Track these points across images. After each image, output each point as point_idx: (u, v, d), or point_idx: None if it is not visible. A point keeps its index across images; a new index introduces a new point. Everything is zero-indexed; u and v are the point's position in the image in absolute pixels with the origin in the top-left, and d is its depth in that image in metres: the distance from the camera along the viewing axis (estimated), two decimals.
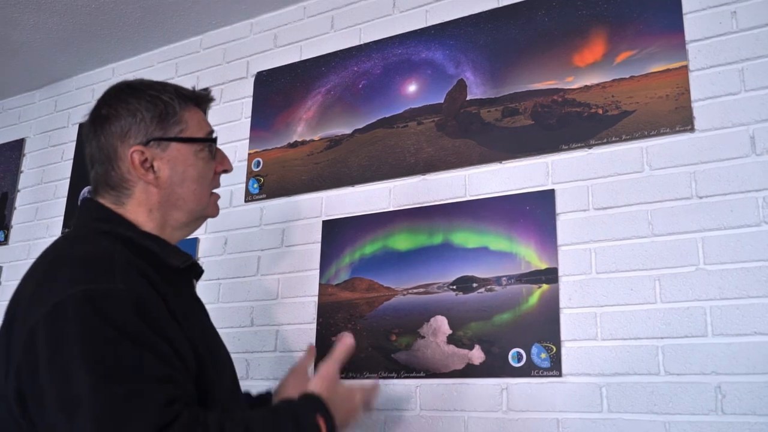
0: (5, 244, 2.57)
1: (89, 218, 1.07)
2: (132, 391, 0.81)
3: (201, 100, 1.14)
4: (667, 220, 1.45)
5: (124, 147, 1.05)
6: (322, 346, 1.77)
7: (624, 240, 1.48)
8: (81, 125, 2.53)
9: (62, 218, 2.45)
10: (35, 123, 2.71)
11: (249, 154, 2.07)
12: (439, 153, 1.76)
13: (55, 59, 2.52)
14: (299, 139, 2.01)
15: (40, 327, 0.87)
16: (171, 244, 1.09)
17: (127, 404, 0.80)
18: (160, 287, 0.96)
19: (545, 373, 1.47)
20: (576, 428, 1.42)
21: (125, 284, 0.90)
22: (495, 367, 1.53)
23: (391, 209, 1.79)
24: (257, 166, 2.06)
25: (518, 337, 1.52)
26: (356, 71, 1.97)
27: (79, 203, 2.42)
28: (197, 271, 1.13)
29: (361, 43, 1.99)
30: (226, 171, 1.16)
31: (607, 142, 1.54)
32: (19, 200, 2.62)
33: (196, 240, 2.07)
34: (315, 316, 1.81)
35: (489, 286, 1.59)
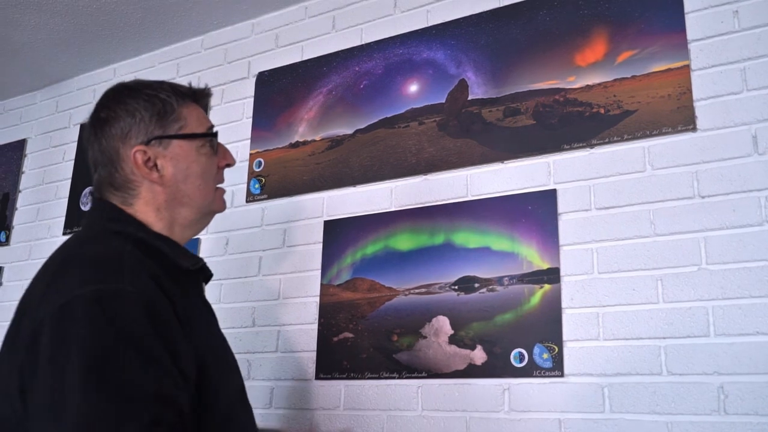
0: (6, 245, 2.57)
1: (100, 218, 1.06)
2: (119, 406, 0.80)
3: (198, 95, 1.14)
4: (669, 220, 1.44)
5: (126, 148, 1.05)
6: (324, 347, 1.77)
7: (626, 240, 1.48)
8: (82, 126, 2.53)
9: (63, 219, 2.45)
10: (36, 124, 2.71)
11: (250, 154, 2.07)
12: (441, 153, 1.75)
13: (57, 60, 2.52)
14: (301, 140, 2.01)
15: (45, 326, 0.87)
16: (181, 245, 1.09)
17: (109, 420, 0.79)
18: (169, 289, 0.96)
19: (547, 374, 1.47)
20: (578, 428, 1.42)
21: (134, 286, 0.90)
22: (497, 368, 1.53)
23: (393, 209, 1.79)
24: (258, 167, 2.06)
25: (520, 337, 1.52)
26: (358, 71, 1.97)
27: (80, 204, 2.42)
28: (206, 275, 1.13)
29: (363, 43, 1.98)
30: (229, 165, 1.16)
31: (609, 142, 1.54)
32: (21, 201, 2.62)
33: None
34: (316, 316, 1.81)
35: (491, 286, 1.59)
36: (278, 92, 2.10)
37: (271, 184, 2.02)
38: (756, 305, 1.33)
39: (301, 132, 2.02)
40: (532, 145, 1.63)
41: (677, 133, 1.48)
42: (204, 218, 1.14)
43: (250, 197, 2.04)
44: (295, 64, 2.09)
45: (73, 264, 0.95)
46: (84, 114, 2.51)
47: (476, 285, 1.61)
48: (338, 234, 1.84)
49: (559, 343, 1.47)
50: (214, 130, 1.14)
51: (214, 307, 1.14)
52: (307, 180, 1.95)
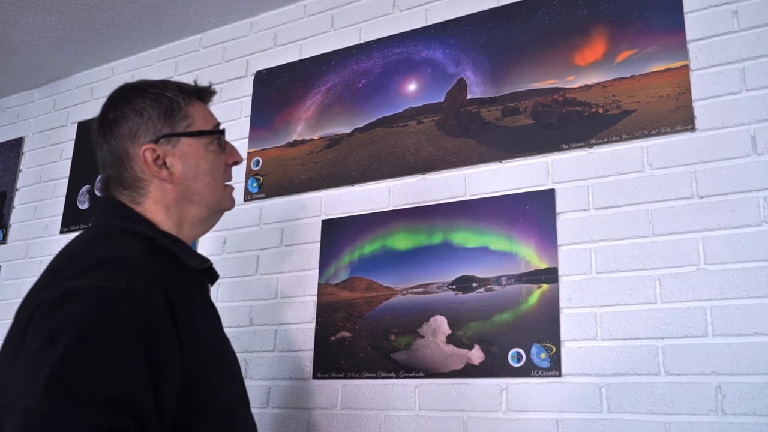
0: (4, 243, 2.56)
1: (109, 216, 1.07)
2: (74, 408, 0.78)
3: (204, 93, 1.14)
4: (667, 220, 1.44)
5: (135, 147, 1.05)
6: (321, 346, 1.77)
7: (624, 240, 1.47)
8: (80, 124, 2.53)
9: (61, 217, 2.44)
10: (34, 122, 2.71)
11: (248, 153, 2.07)
12: (439, 152, 1.75)
13: (54, 58, 2.52)
14: (299, 138, 2.01)
15: (36, 315, 0.87)
16: (188, 245, 1.09)
17: (59, 420, 0.77)
18: (172, 289, 0.95)
19: (545, 373, 1.47)
20: (576, 428, 1.41)
21: (131, 284, 0.89)
22: (494, 367, 1.52)
23: (391, 209, 1.79)
24: (256, 165, 2.05)
25: (518, 337, 1.52)
26: (356, 70, 1.96)
27: (77, 203, 2.41)
28: (212, 276, 1.13)
29: (361, 42, 1.98)
30: (236, 163, 1.17)
31: (608, 142, 1.54)
32: (18, 199, 2.61)
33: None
34: (314, 315, 1.81)
35: (489, 286, 1.59)
36: (276, 91, 2.09)
37: (269, 183, 2.01)
38: (754, 305, 1.33)
39: (300, 131, 2.01)
40: (530, 145, 1.63)
41: (676, 133, 1.48)
42: (213, 216, 1.15)
43: (248, 196, 2.04)
44: (293, 63, 2.09)
45: (77, 259, 0.96)
46: (81, 112, 2.54)
47: (474, 285, 1.61)
48: (336, 233, 1.84)
49: (557, 343, 1.47)
50: (221, 127, 1.14)
51: None
52: (305, 179, 1.95)
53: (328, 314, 1.79)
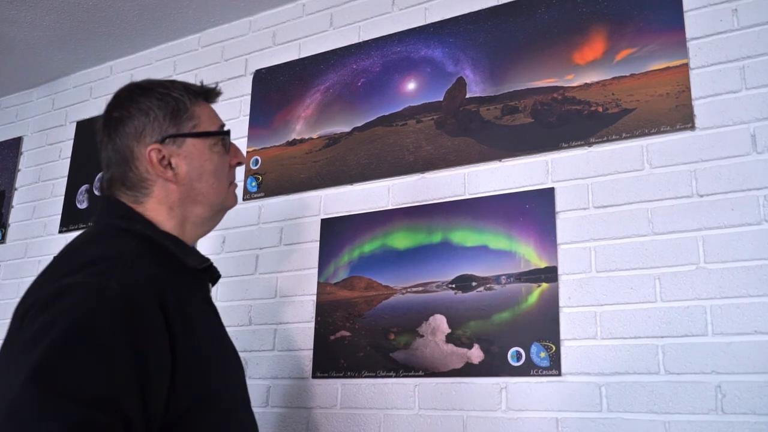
0: (3, 243, 2.56)
1: (109, 216, 1.06)
2: (48, 401, 0.78)
3: (210, 94, 1.14)
4: (667, 219, 1.44)
5: (141, 147, 1.05)
6: (321, 345, 1.77)
7: (624, 238, 1.47)
8: (79, 123, 2.52)
9: (59, 217, 2.44)
10: (33, 121, 2.70)
11: (247, 152, 2.06)
12: (439, 151, 1.75)
13: (53, 57, 2.51)
14: (298, 137, 2.00)
15: (29, 315, 0.88)
16: (189, 245, 1.09)
17: (32, 411, 0.77)
18: (168, 288, 0.95)
19: (544, 373, 1.46)
20: (575, 428, 1.41)
21: (121, 283, 0.89)
22: (494, 366, 1.52)
23: (390, 208, 1.78)
24: (256, 164, 2.05)
25: (517, 336, 1.51)
26: (355, 69, 1.96)
27: (76, 202, 2.41)
28: (213, 275, 1.12)
29: (360, 40, 1.98)
30: (240, 163, 1.17)
31: (608, 140, 1.54)
32: (17, 198, 2.61)
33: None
34: (313, 314, 1.80)
35: (488, 285, 1.58)
36: (275, 90, 2.09)
37: (268, 182, 2.01)
38: (754, 304, 1.33)
39: (299, 130, 2.01)
40: (530, 144, 1.63)
41: (676, 132, 1.47)
42: (217, 215, 1.15)
43: (247, 195, 2.04)
44: (292, 62, 2.09)
45: (73, 258, 0.96)
46: (80, 111, 2.53)
47: (474, 284, 1.60)
48: (335, 232, 1.84)
49: (557, 342, 1.47)
50: (226, 128, 1.14)
51: None
52: (305, 178, 1.95)
53: (327, 313, 1.78)
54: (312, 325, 1.80)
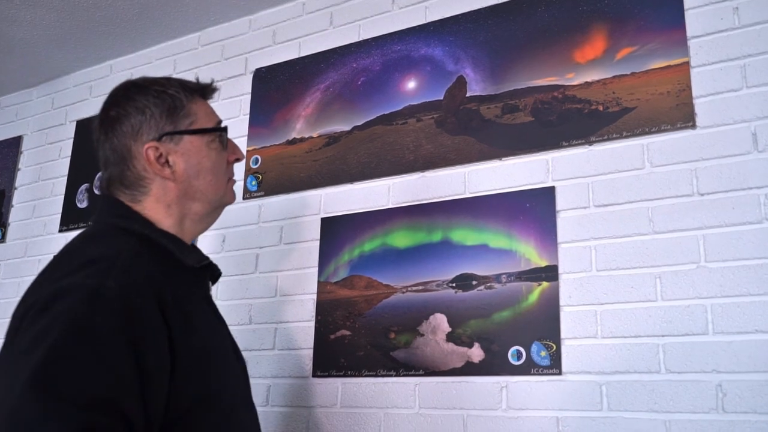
0: (3, 242, 2.56)
1: (107, 215, 1.06)
2: (50, 404, 0.78)
3: (206, 91, 1.13)
4: (668, 218, 1.44)
5: (138, 145, 1.04)
6: (321, 344, 1.76)
7: (624, 237, 1.47)
8: (79, 122, 2.52)
9: (59, 216, 2.44)
10: (32, 120, 2.70)
11: (247, 151, 2.06)
12: (439, 150, 1.75)
13: (53, 56, 2.51)
14: (298, 136, 2.00)
15: (28, 317, 0.87)
16: (187, 243, 1.08)
17: (34, 415, 0.77)
18: (166, 287, 0.95)
19: (545, 371, 1.46)
20: (576, 427, 1.41)
21: (119, 283, 0.89)
22: (494, 365, 1.52)
23: (390, 206, 1.78)
24: (256, 163, 2.05)
25: (518, 334, 1.51)
26: (355, 68, 1.96)
27: (76, 201, 2.41)
28: (214, 273, 1.12)
29: (360, 39, 1.98)
30: (238, 160, 1.16)
31: (608, 139, 1.54)
32: (17, 198, 2.61)
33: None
34: (314, 313, 1.80)
35: (488, 284, 1.58)
36: (275, 89, 2.09)
37: (268, 181, 2.01)
38: (755, 303, 1.32)
39: (299, 129, 2.01)
40: (530, 142, 1.63)
41: (676, 131, 1.47)
42: (215, 211, 1.14)
43: (247, 194, 2.03)
44: (292, 61, 2.08)
45: (72, 258, 0.96)
46: (80, 111, 2.53)
47: (474, 282, 1.60)
48: (335, 231, 1.84)
49: (557, 340, 1.47)
50: (223, 125, 1.13)
51: None
52: (305, 177, 1.94)
53: (327, 312, 1.78)
54: (312, 324, 1.80)
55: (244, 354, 1.89)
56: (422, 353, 1.62)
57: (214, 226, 2.04)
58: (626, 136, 1.52)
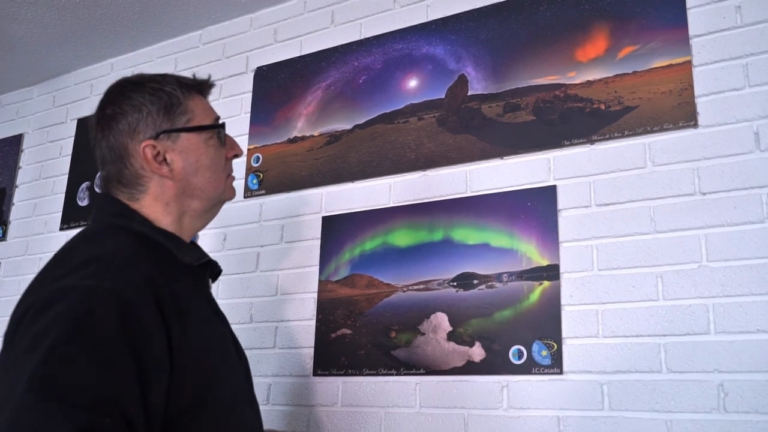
0: (3, 240, 2.56)
1: (105, 213, 1.06)
2: (51, 406, 0.78)
3: (203, 87, 1.13)
4: (669, 217, 1.44)
5: (135, 143, 1.04)
6: (322, 343, 1.76)
7: (626, 236, 1.47)
8: (80, 121, 2.52)
9: (60, 214, 2.44)
10: (33, 119, 2.70)
11: (248, 149, 2.06)
12: (440, 149, 1.74)
13: (54, 54, 2.51)
14: (299, 135, 2.00)
15: (27, 318, 0.87)
16: (186, 241, 1.08)
17: (36, 416, 0.77)
18: (164, 286, 0.94)
19: (546, 371, 1.46)
20: (577, 426, 1.41)
21: (116, 282, 0.88)
22: (495, 365, 1.52)
23: (392, 205, 1.78)
24: (257, 162, 2.05)
25: (519, 334, 1.51)
26: (356, 66, 1.95)
27: (77, 200, 2.41)
28: (213, 271, 1.12)
29: (362, 38, 1.97)
30: (237, 156, 1.15)
31: (610, 138, 1.53)
32: (18, 196, 2.61)
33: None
34: (314, 312, 1.80)
35: (490, 283, 1.58)
36: (277, 87, 2.09)
37: (269, 179, 2.01)
38: (757, 303, 1.32)
39: (300, 127, 2.01)
40: (532, 141, 1.62)
41: (678, 130, 1.47)
42: (214, 208, 1.14)
43: (248, 193, 2.03)
44: (293, 59, 2.08)
45: (68, 259, 0.96)
46: (81, 109, 2.53)
47: (475, 281, 1.60)
48: (336, 230, 1.83)
49: (558, 340, 1.46)
50: (221, 121, 1.13)
51: None
52: (306, 175, 1.94)
53: (328, 311, 1.78)
54: (313, 322, 1.79)
55: (246, 353, 1.90)
56: (423, 352, 1.62)
57: (215, 224, 2.05)
58: (628, 135, 1.51)
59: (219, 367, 1.01)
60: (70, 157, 2.50)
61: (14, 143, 2.69)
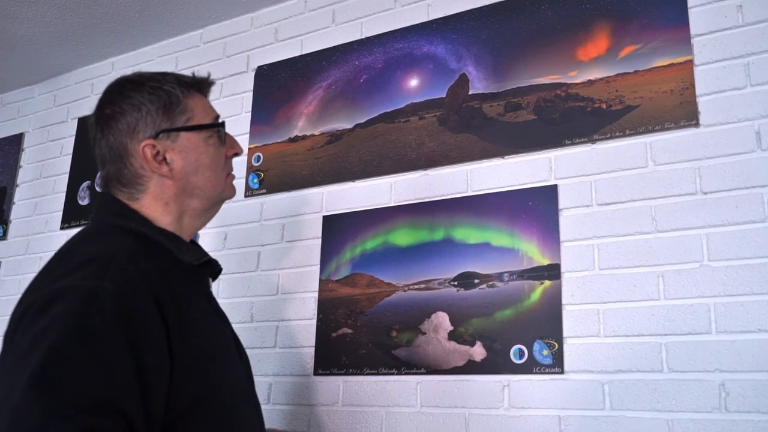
0: (4, 239, 2.56)
1: (105, 213, 1.05)
2: (50, 408, 0.77)
3: (202, 85, 1.12)
4: (671, 216, 1.43)
5: (134, 143, 1.03)
6: (322, 343, 1.76)
7: (627, 236, 1.47)
8: (80, 120, 2.52)
9: (61, 213, 2.44)
10: (34, 118, 2.70)
11: (249, 148, 2.06)
12: (441, 148, 1.74)
13: (54, 53, 2.51)
14: (300, 134, 2.00)
15: (26, 319, 0.87)
16: (186, 240, 1.07)
17: (34, 419, 0.77)
18: (166, 285, 0.94)
19: (547, 370, 1.46)
20: (578, 426, 1.41)
21: (114, 283, 0.88)
22: (496, 364, 1.52)
23: (392, 204, 1.78)
24: (257, 161, 2.05)
25: (520, 333, 1.51)
26: (357, 65, 1.95)
27: (77, 199, 2.41)
28: (213, 270, 1.11)
29: (363, 37, 1.97)
30: (237, 154, 1.15)
31: (611, 137, 1.53)
32: (18, 195, 2.61)
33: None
34: (315, 311, 1.80)
35: (491, 282, 1.58)
36: (277, 86, 2.09)
37: (269, 178, 2.01)
38: (758, 302, 1.32)
39: (301, 126, 2.00)
40: (533, 141, 1.62)
41: (680, 129, 1.47)
42: (214, 207, 1.13)
43: (249, 192, 2.03)
44: (294, 58, 2.08)
45: (67, 259, 0.95)
46: (82, 108, 2.53)
47: (476, 281, 1.60)
48: (337, 229, 1.83)
49: (560, 339, 1.46)
50: (220, 120, 1.12)
51: None
52: (306, 175, 1.94)
53: (329, 310, 1.78)
54: (314, 322, 1.79)
55: (246, 352, 1.90)
56: (424, 352, 1.61)
57: (215, 223, 2.04)
58: (629, 135, 1.51)
59: (219, 367, 1.01)
60: (70, 156, 2.50)
61: (15, 142, 2.69)
